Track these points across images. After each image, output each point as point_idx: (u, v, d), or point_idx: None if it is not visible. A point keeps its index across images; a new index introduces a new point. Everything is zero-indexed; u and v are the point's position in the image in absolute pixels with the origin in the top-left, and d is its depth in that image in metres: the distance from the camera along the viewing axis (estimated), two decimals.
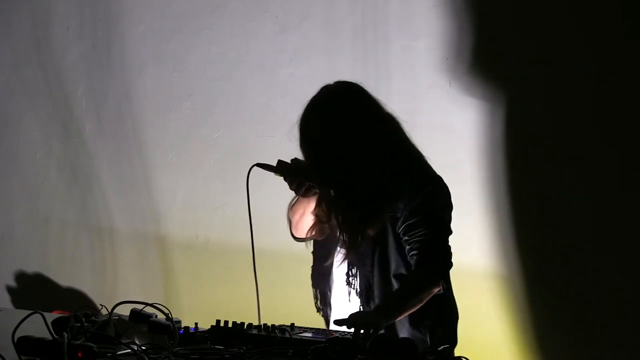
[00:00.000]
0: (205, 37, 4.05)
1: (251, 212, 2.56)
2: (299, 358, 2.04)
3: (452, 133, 3.48)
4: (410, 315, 2.44)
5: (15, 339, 1.87)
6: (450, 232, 2.51)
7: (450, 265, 2.48)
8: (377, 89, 3.52)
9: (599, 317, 3.27)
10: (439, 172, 2.57)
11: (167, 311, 2.19)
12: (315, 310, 2.69)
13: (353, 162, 2.45)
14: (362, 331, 2.14)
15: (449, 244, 2.50)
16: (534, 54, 3.34)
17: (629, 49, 3.21)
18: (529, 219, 3.41)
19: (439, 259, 2.45)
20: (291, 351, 2.07)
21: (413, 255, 2.44)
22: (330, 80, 2.60)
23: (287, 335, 2.13)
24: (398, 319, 2.40)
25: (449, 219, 2.52)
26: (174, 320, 2.18)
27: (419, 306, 2.41)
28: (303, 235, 2.65)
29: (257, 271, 2.55)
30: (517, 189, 3.41)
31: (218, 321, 2.24)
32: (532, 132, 3.38)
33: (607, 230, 3.27)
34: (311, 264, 2.70)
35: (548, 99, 3.34)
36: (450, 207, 2.53)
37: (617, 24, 3.23)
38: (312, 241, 2.68)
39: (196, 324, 2.27)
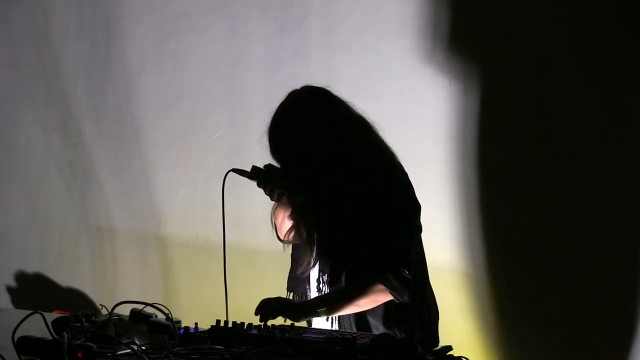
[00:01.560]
0: (205, 37, 4.05)
1: (222, 223, 2.56)
2: (299, 358, 2.04)
3: (451, 132, 3.48)
4: (384, 318, 2.46)
5: (15, 339, 1.87)
6: (414, 235, 2.48)
7: (403, 272, 2.41)
8: (377, 89, 3.54)
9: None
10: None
11: (167, 311, 2.19)
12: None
13: (319, 168, 2.45)
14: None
15: (410, 250, 2.45)
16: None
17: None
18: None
19: (392, 274, 2.41)
20: (291, 351, 2.07)
21: (370, 259, 2.43)
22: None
23: (287, 335, 2.13)
24: (323, 316, 2.44)
25: (411, 223, 2.48)
26: (174, 320, 2.18)
27: (355, 309, 2.43)
28: (290, 239, 2.66)
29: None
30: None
31: (218, 321, 2.24)
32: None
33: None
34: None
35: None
36: (413, 211, 2.50)
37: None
38: (291, 244, 2.68)
39: (196, 324, 2.27)
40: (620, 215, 3.24)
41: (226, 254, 2.54)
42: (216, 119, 4.04)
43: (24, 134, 4.51)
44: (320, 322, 2.55)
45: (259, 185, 2.55)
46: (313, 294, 2.60)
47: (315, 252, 2.52)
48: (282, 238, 2.67)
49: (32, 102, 4.48)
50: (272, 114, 2.52)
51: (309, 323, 2.63)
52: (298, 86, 2.58)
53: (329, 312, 2.44)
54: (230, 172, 2.55)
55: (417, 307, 2.52)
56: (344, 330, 2.49)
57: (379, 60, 3.62)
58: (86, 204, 4.36)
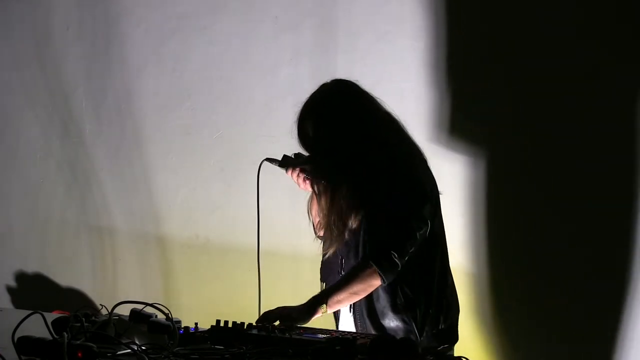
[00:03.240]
0: (205, 37, 4.05)
1: (257, 210, 2.59)
2: (299, 358, 2.04)
3: (453, 132, 3.48)
4: (392, 305, 2.50)
5: (15, 339, 1.87)
6: (415, 233, 2.49)
7: (393, 255, 2.44)
8: (376, 89, 3.53)
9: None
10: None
11: (167, 311, 2.19)
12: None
13: (341, 160, 2.51)
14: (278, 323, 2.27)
15: (407, 240, 2.47)
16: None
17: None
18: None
19: (382, 255, 2.45)
20: (291, 351, 2.07)
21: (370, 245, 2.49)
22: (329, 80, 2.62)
23: (287, 335, 2.13)
24: (328, 312, 2.48)
25: (415, 219, 2.50)
26: (174, 320, 2.18)
27: (354, 298, 2.48)
28: (320, 233, 2.71)
29: (256, 271, 2.56)
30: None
31: (218, 321, 2.24)
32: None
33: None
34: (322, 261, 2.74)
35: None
36: (421, 203, 2.52)
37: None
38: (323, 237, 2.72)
39: (196, 324, 2.27)
40: (620, 216, 3.24)
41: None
42: (216, 119, 4.04)
43: (24, 134, 4.51)
44: (344, 312, 2.62)
45: (286, 172, 2.64)
46: None
47: (334, 237, 2.56)
48: (316, 230, 2.71)
49: (32, 102, 4.47)
50: (302, 104, 2.58)
51: (336, 317, 2.67)
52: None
53: (329, 307, 2.46)
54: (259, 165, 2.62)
55: (434, 300, 2.55)
56: (357, 318, 2.56)
57: (379, 60, 3.62)
58: (86, 204, 4.36)
